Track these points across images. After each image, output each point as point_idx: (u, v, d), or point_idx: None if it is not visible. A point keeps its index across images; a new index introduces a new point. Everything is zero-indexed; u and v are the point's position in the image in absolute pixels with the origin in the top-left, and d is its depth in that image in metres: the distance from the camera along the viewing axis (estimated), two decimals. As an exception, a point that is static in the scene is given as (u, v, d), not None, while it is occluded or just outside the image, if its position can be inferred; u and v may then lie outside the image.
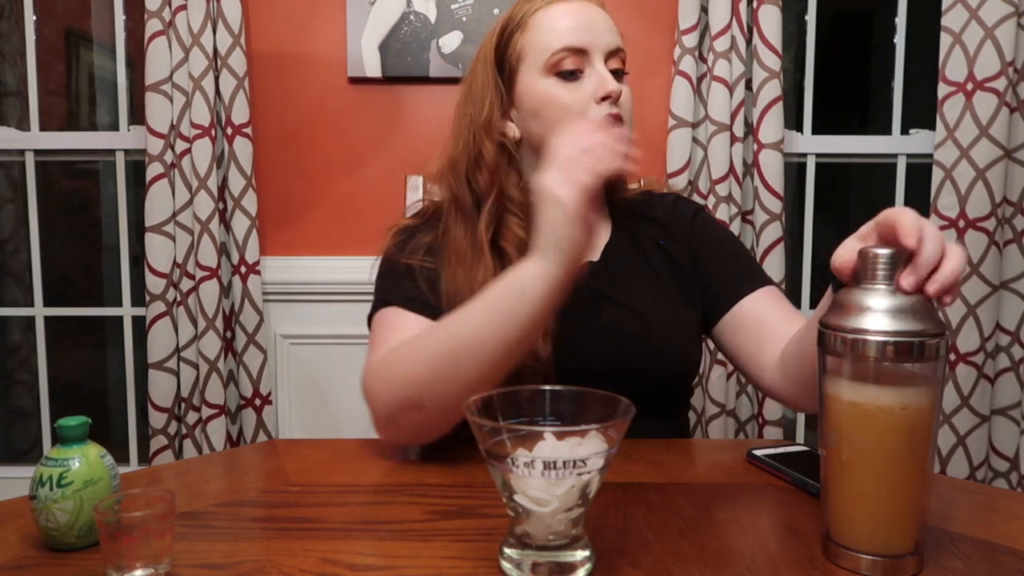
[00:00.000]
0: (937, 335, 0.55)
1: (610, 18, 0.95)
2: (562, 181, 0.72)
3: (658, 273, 1.00)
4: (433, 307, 0.92)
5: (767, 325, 0.94)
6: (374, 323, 0.95)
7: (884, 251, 0.57)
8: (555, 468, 0.52)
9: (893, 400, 0.55)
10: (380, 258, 1.01)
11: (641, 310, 0.96)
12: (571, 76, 0.92)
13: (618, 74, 0.94)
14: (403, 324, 0.90)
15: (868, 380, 0.57)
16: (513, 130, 0.97)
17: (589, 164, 0.73)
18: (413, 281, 0.94)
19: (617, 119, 0.91)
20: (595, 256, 1.00)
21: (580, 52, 0.91)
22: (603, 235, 1.02)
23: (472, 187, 0.96)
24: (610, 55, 0.93)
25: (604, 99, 0.90)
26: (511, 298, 0.74)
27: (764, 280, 0.99)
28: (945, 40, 1.73)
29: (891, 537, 0.58)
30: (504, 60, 0.96)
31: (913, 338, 0.55)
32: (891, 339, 0.55)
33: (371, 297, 0.98)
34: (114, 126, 1.98)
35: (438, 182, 1.02)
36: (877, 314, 0.56)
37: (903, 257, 0.57)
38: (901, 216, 0.58)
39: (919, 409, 0.56)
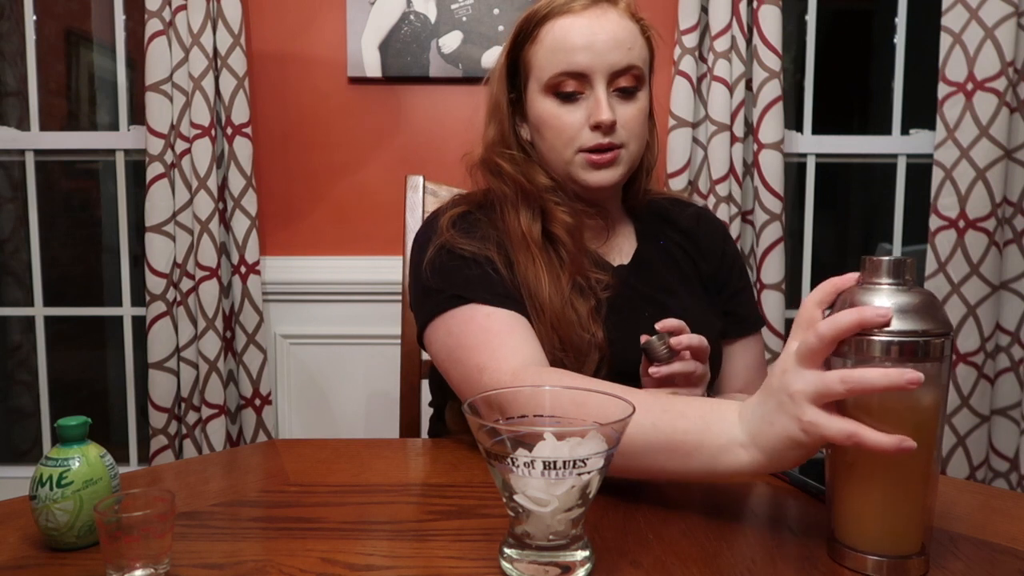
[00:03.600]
0: (942, 335, 0.55)
1: (626, 27, 0.91)
2: (818, 419, 0.58)
3: (686, 276, 1.02)
4: (517, 299, 0.87)
5: (729, 376, 1.03)
6: (451, 322, 0.86)
7: (887, 255, 0.58)
8: (555, 468, 0.52)
9: (898, 400, 0.55)
10: (437, 248, 0.91)
11: (677, 310, 0.95)
12: (570, 98, 0.91)
13: (627, 92, 0.92)
14: (502, 325, 0.84)
15: None
16: (526, 132, 0.98)
17: (850, 432, 0.56)
18: (492, 271, 0.88)
19: (607, 149, 0.91)
20: (625, 260, 1.00)
21: (580, 76, 0.90)
22: (629, 238, 1.03)
23: (507, 180, 0.95)
24: (616, 75, 0.90)
25: (596, 127, 0.90)
26: (696, 457, 0.66)
27: (756, 324, 1.07)
28: (945, 40, 1.73)
29: (896, 537, 0.58)
30: (516, 68, 0.97)
31: (918, 338, 0.55)
32: (896, 339, 0.55)
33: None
34: (114, 126, 1.98)
35: (481, 171, 0.99)
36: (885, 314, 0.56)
37: (908, 261, 0.57)
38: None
39: (924, 409, 0.55)
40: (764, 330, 1.78)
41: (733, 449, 0.64)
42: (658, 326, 0.81)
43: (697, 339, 0.81)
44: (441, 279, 0.89)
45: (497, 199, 0.96)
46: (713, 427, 0.65)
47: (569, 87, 0.90)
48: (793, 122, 1.89)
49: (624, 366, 0.88)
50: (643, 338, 0.81)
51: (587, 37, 0.89)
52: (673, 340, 0.80)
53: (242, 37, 1.73)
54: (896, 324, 0.55)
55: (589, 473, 0.53)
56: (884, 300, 0.56)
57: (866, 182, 4.09)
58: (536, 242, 0.91)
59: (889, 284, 0.57)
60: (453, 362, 0.85)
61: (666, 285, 0.99)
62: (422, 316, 0.91)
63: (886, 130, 1.91)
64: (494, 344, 0.82)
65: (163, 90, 1.74)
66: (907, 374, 0.53)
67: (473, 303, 0.85)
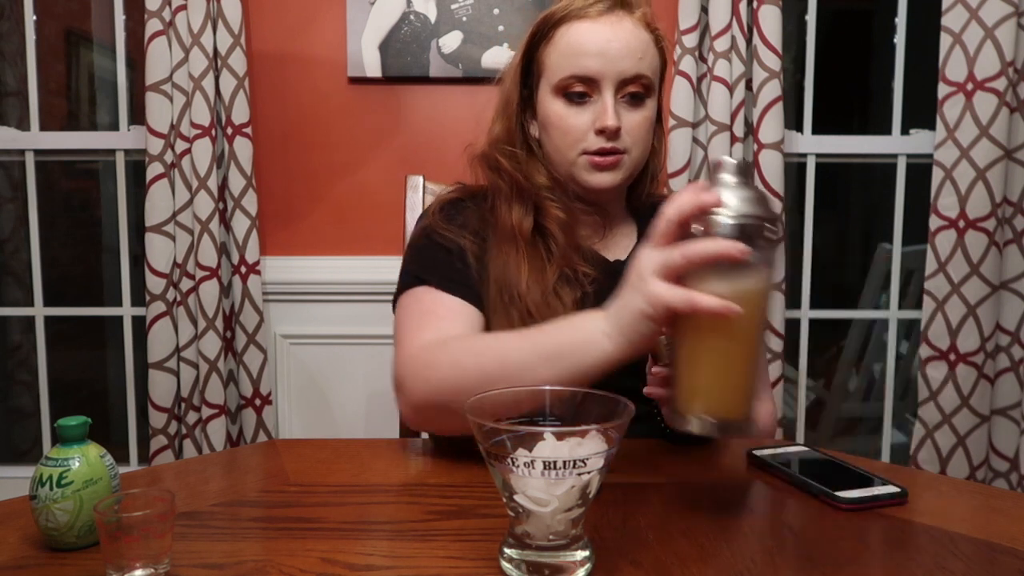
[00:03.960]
0: (772, 221, 0.62)
1: (640, 37, 0.92)
2: (659, 290, 0.63)
3: None
4: (475, 290, 0.91)
5: None
6: (407, 300, 0.93)
7: (731, 159, 0.64)
8: (555, 468, 0.52)
9: (730, 275, 0.61)
10: (420, 230, 0.98)
11: None
12: (578, 100, 0.93)
13: (635, 99, 0.93)
14: (443, 309, 0.90)
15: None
16: (535, 129, 1.00)
17: (686, 297, 0.62)
18: (456, 260, 0.93)
19: (610, 152, 0.92)
20: (622, 256, 1.01)
21: (590, 80, 0.92)
22: (629, 237, 1.04)
23: (503, 176, 0.97)
24: (625, 82, 0.92)
25: (601, 132, 0.92)
26: (568, 356, 0.71)
27: None
28: (945, 40, 1.73)
29: (724, 402, 0.64)
30: (530, 67, 0.99)
31: (750, 220, 0.61)
32: (731, 220, 0.61)
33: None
34: (114, 126, 1.98)
35: (480, 165, 1.01)
36: (725, 201, 0.62)
37: (748, 164, 0.62)
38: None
39: (752, 287, 0.62)
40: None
41: (598, 340, 0.69)
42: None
43: None
44: (412, 259, 0.97)
45: (492, 192, 0.98)
46: (580, 328, 0.72)
47: (578, 90, 0.92)
48: (793, 122, 1.89)
49: None
50: None
51: (600, 44, 0.91)
52: None
53: (242, 37, 1.73)
54: (732, 209, 0.61)
55: (589, 473, 0.53)
56: (724, 191, 0.62)
57: (866, 182, 4.09)
58: (525, 236, 0.94)
59: (731, 180, 0.63)
60: (395, 339, 0.92)
61: None
62: (396, 293, 0.97)
63: (886, 130, 1.91)
64: (423, 324, 0.88)
65: (163, 90, 1.74)
66: (737, 245, 0.59)
67: (427, 285, 0.92)
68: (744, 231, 0.61)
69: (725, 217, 0.61)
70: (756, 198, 0.63)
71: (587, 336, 0.71)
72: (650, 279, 0.64)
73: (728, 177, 0.63)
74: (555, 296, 0.91)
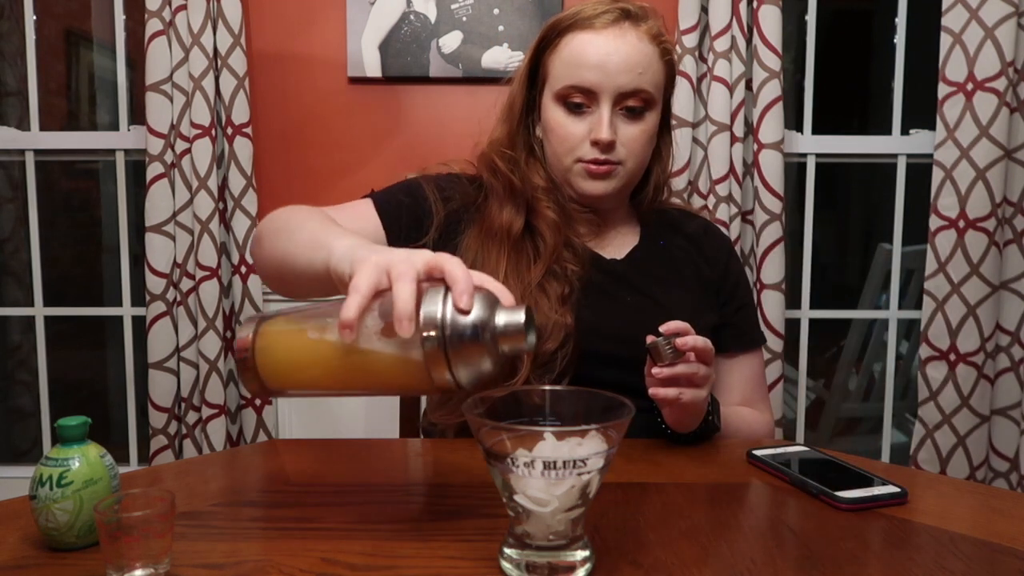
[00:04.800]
0: (441, 338, 0.57)
1: (643, 51, 0.93)
2: (373, 262, 0.60)
3: (682, 276, 1.04)
4: (399, 222, 0.95)
5: (723, 389, 1.04)
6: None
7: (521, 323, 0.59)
8: (555, 468, 0.52)
9: (386, 334, 0.58)
10: (416, 175, 1.05)
11: (661, 300, 0.99)
12: (577, 109, 0.95)
13: (634, 112, 0.94)
14: (357, 211, 0.96)
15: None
16: (539, 130, 1.02)
17: (356, 287, 0.59)
18: (409, 207, 0.97)
19: (604, 163, 0.94)
20: (619, 255, 1.02)
21: (588, 92, 0.93)
22: (629, 237, 1.05)
23: (498, 177, 0.98)
24: (623, 96, 0.93)
25: (595, 143, 0.94)
26: (314, 249, 0.72)
27: (757, 340, 1.08)
28: (945, 40, 1.73)
29: (278, 371, 0.64)
30: (537, 72, 1.00)
31: (444, 337, 0.57)
32: (433, 311, 0.57)
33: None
34: (114, 126, 1.98)
35: (479, 164, 1.03)
36: (475, 308, 0.57)
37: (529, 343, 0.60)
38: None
39: (384, 355, 0.59)
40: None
41: (330, 251, 0.67)
42: (663, 328, 0.81)
43: (702, 341, 0.81)
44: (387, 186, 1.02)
45: (487, 189, 1.00)
46: (339, 237, 0.70)
47: (576, 100, 0.94)
48: (793, 122, 1.89)
49: (592, 348, 0.92)
50: (649, 339, 0.81)
51: (600, 56, 0.92)
52: (679, 341, 0.80)
53: (242, 37, 1.73)
54: (457, 315, 0.57)
55: (589, 473, 0.53)
56: (483, 303, 0.58)
57: (866, 182, 4.10)
58: (512, 236, 0.95)
59: (508, 319, 0.58)
60: None
61: (657, 280, 1.01)
62: None
63: (886, 130, 1.91)
64: (329, 208, 0.92)
65: (163, 90, 1.74)
66: (404, 324, 0.55)
67: (372, 198, 0.98)
68: (430, 327, 0.56)
69: (438, 303, 0.57)
70: (480, 341, 0.57)
71: (331, 245, 0.69)
72: (385, 255, 0.60)
73: (512, 315, 0.58)
74: (540, 290, 0.92)
